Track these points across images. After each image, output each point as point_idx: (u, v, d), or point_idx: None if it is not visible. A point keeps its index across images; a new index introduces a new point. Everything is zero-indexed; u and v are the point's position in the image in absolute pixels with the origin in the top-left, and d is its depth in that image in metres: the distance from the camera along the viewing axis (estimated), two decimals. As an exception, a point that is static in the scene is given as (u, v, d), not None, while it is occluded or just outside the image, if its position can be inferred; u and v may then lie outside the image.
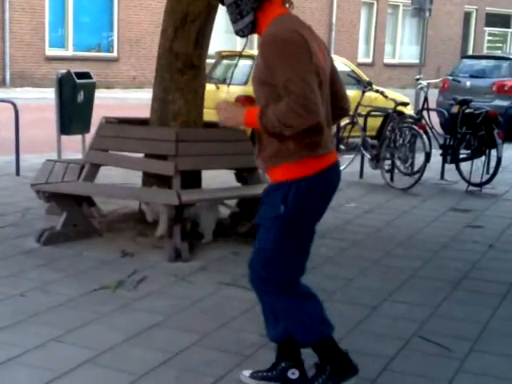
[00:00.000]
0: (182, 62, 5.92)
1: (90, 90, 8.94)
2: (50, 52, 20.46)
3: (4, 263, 5.15)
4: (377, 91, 9.84)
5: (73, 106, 8.72)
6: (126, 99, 18.68)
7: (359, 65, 22.03)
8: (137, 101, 18.80)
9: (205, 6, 5.91)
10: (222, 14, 6.23)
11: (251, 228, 5.94)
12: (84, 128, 9.00)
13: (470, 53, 30.78)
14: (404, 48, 30.40)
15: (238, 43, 23.10)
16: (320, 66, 3.05)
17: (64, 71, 8.80)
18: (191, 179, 5.83)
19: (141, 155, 6.02)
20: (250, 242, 5.62)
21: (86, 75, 9.01)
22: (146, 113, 6.62)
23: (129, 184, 6.92)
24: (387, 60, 29.46)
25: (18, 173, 8.36)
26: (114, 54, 21.95)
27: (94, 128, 8.75)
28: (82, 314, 4.25)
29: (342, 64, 12.63)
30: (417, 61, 27.55)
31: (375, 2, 28.86)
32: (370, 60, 28.59)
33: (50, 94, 18.35)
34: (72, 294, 4.58)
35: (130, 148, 5.82)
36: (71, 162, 6.54)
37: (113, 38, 21.94)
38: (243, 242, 5.75)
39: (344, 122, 9.16)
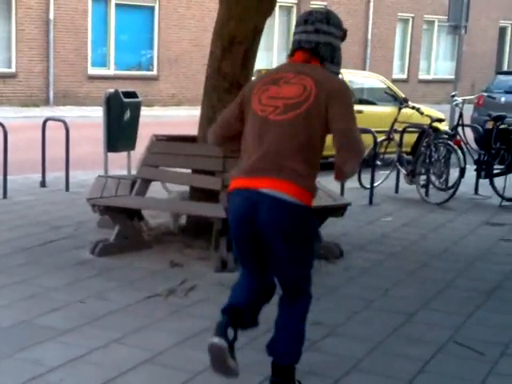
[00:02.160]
0: (228, 82, 6.25)
1: (136, 109, 9.33)
2: (93, 71, 21.02)
3: (62, 273, 5.52)
4: (413, 108, 10.11)
5: (120, 124, 9.10)
6: (165, 117, 19.14)
7: (394, 81, 22.27)
8: (176, 118, 19.28)
9: (251, 29, 6.25)
10: (263, 35, 6.60)
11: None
12: (130, 145, 9.37)
13: (505, 68, 30.85)
14: (439, 64, 30.54)
15: (274, 61, 23.56)
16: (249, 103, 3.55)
17: (112, 91, 9.18)
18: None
19: (189, 171, 6.36)
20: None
21: (133, 94, 9.39)
22: (184, 130, 6.97)
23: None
24: (422, 76, 29.62)
25: (67, 188, 8.76)
26: (154, 73, 22.46)
27: (138, 145, 9.20)
28: (138, 319, 4.60)
29: (378, 81, 12.94)
30: (451, 76, 27.76)
31: (410, 19, 29.09)
32: (404, 76, 28.78)
33: (92, 113, 18.98)
34: (127, 301, 4.93)
35: (179, 164, 6.19)
36: (122, 177, 6.92)
37: (153, 57, 22.46)
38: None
39: (380, 138, 9.43)
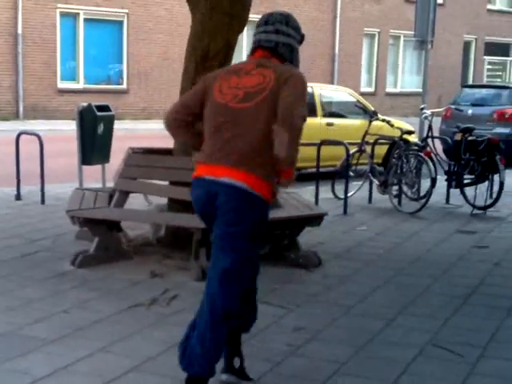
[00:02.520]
0: (202, 98, 6.33)
1: (109, 122, 9.37)
2: (62, 85, 20.99)
3: (43, 284, 5.53)
4: (383, 120, 10.28)
5: (93, 137, 9.13)
6: (136, 130, 19.16)
7: (362, 94, 22.53)
8: (146, 131, 19.30)
9: (224, 44, 6.34)
10: (236, 51, 6.69)
11: (270, 250, 6.35)
12: (104, 158, 9.41)
13: (470, 81, 31.41)
14: (405, 77, 30.97)
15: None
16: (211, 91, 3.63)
17: (85, 104, 9.23)
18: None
19: (166, 183, 6.42)
20: (270, 264, 6.04)
21: (106, 108, 9.43)
22: (156, 143, 7.02)
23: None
24: (389, 89, 30.01)
25: (43, 201, 8.75)
26: (124, 86, 22.49)
27: (112, 158, 9.24)
28: (122, 328, 4.63)
29: (347, 94, 13.11)
30: (418, 89, 28.18)
31: (377, 34, 29.48)
32: (372, 89, 29.14)
33: (62, 126, 18.93)
34: (110, 311, 4.96)
35: (156, 176, 6.24)
36: (99, 190, 6.95)
37: (122, 70, 22.48)
38: (263, 264, 6.10)
39: (352, 150, 9.58)
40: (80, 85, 21.47)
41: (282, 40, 3.69)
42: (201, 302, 3.63)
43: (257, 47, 3.74)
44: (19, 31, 19.97)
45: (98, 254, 6.04)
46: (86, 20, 21.49)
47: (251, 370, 4.00)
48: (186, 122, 3.75)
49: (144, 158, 6.34)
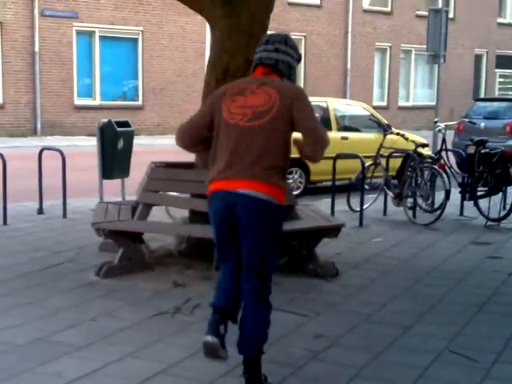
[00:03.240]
0: (223, 112, 6.53)
1: (129, 138, 9.59)
2: (79, 101, 21.31)
3: (70, 294, 5.72)
4: (397, 134, 10.44)
5: (114, 152, 9.36)
6: (152, 145, 19.40)
7: (374, 108, 22.69)
8: (162, 147, 19.50)
9: (243, 62, 6.54)
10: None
11: (289, 261, 6.52)
12: (124, 173, 9.63)
13: (482, 94, 31.52)
14: (417, 91, 31.14)
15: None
16: (219, 112, 3.92)
17: (105, 120, 9.45)
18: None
19: (187, 195, 6.61)
20: (289, 274, 6.21)
21: (125, 124, 9.65)
22: (173, 157, 7.22)
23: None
24: (401, 103, 30.19)
25: (64, 215, 8.96)
26: (139, 102, 22.79)
27: (131, 173, 9.45)
28: (148, 335, 4.81)
29: (361, 108, 13.29)
30: (430, 103, 28.35)
31: (388, 48, 29.70)
32: (384, 103, 29.33)
33: (79, 142, 19.24)
34: (136, 319, 5.14)
35: (178, 189, 6.44)
36: (122, 203, 7.14)
37: (137, 87, 22.79)
38: (283, 274, 6.27)
39: (367, 163, 9.74)
40: (96, 101, 21.78)
41: (281, 58, 4.03)
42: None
43: (258, 64, 4.06)
44: (36, 49, 20.32)
45: (122, 264, 6.23)
46: (101, 38, 21.84)
47: (273, 374, 4.17)
48: (196, 142, 4.10)
49: (166, 172, 6.54)
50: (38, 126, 20.52)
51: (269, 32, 4.47)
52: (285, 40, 4.08)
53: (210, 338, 3.84)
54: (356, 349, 4.69)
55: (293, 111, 3.82)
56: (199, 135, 4.07)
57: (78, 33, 21.34)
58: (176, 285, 6.02)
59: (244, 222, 3.79)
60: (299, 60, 4.15)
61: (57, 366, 4.23)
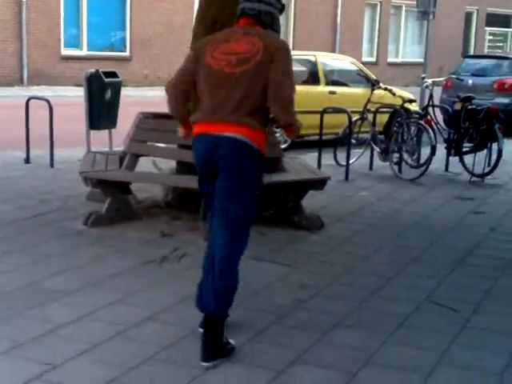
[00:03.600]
0: (212, 64, 6.53)
1: (116, 89, 9.55)
2: (66, 52, 21.10)
3: (58, 242, 5.79)
4: (385, 89, 10.47)
5: (101, 103, 9.33)
6: (139, 97, 19.30)
7: (363, 64, 22.64)
8: (149, 98, 19.45)
9: (231, 14, 6.49)
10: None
11: (274, 213, 6.60)
12: (111, 124, 9.62)
13: (471, 52, 31.41)
14: (406, 47, 31.03)
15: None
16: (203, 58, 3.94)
17: (93, 70, 9.39)
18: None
19: (175, 146, 6.64)
20: (275, 225, 6.30)
21: (113, 74, 9.61)
22: (159, 109, 7.20)
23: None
24: (390, 59, 30.10)
25: (52, 165, 8.98)
26: (127, 54, 22.60)
27: (118, 123, 9.46)
28: (136, 282, 4.89)
29: (350, 63, 13.28)
30: (419, 59, 28.24)
31: (378, 4, 29.49)
32: (373, 59, 29.22)
33: (66, 92, 19.11)
34: (124, 266, 5.22)
35: (166, 140, 6.46)
36: (110, 153, 7.17)
37: (125, 38, 22.58)
38: (268, 225, 6.36)
39: (354, 118, 9.78)
40: (83, 52, 21.58)
41: (263, 8, 4.02)
42: (206, 252, 3.94)
43: (241, 15, 4.06)
44: (23, -1, 20.07)
45: (110, 214, 6.28)
46: (89, -13, 21.57)
47: (257, 322, 4.27)
48: (186, 90, 4.10)
49: (154, 123, 6.56)
50: (25, 75, 20.34)
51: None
52: None
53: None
54: (339, 298, 4.79)
55: (272, 61, 3.83)
56: (189, 82, 4.04)
57: (66, -18, 21.07)
58: (163, 234, 6.09)
59: (223, 163, 3.80)
60: (282, 10, 4.16)
61: (45, 312, 4.31)
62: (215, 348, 3.78)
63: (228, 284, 3.84)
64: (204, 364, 3.73)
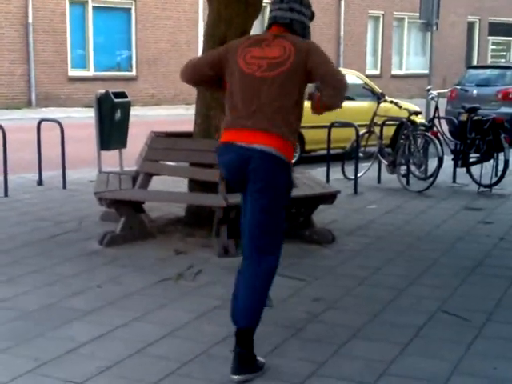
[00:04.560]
0: (221, 82, 6.64)
1: (126, 109, 9.71)
2: (73, 73, 21.33)
3: (75, 262, 5.90)
4: (391, 102, 10.58)
5: (111, 123, 9.48)
6: (146, 116, 19.47)
7: (367, 76, 22.81)
8: (156, 117, 19.65)
9: (241, 31, 6.65)
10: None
11: (286, 228, 6.68)
12: (121, 143, 9.76)
13: (475, 62, 31.61)
14: (410, 59, 31.18)
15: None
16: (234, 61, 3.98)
17: (103, 91, 9.55)
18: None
19: (186, 165, 6.77)
20: (287, 240, 6.35)
21: (122, 95, 9.76)
22: (166, 128, 7.35)
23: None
24: (394, 71, 30.25)
25: (64, 186, 9.11)
26: (133, 73, 22.82)
27: (128, 143, 9.59)
28: (153, 300, 4.99)
29: (355, 77, 13.39)
30: (423, 71, 28.37)
31: (381, 16, 29.68)
32: (377, 72, 29.38)
33: (74, 114, 19.30)
34: (140, 285, 5.32)
35: (178, 158, 6.59)
36: (122, 173, 7.30)
37: (131, 57, 22.79)
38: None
39: (361, 131, 9.89)
40: (90, 72, 21.81)
41: (295, 17, 4.07)
42: (239, 266, 3.98)
43: (273, 23, 4.11)
44: (30, 20, 20.29)
45: (124, 233, 6.40)
46: (94, 8, 21.81)
47: (274, 336, 4.36)
48: (200, 80, 4.26)
49: (166, 141, 6.68)
50: (33, 97, 20.55)
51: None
52: None
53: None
54: (353, 310, 4.88)
55: (308, 62, 3.85)
56: (201, 71, 4.15)
57: (71, 3, 21.29)
58: (177, 252, 6.20)
59: (255, 177, 3.78)
60: (312, 18, 4.18)
61: (68, 331, 4.41)
62: (246, 361, 3.81)
63: (254, 296, 3.86)
64: (234, 377, 3.77)
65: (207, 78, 4.17)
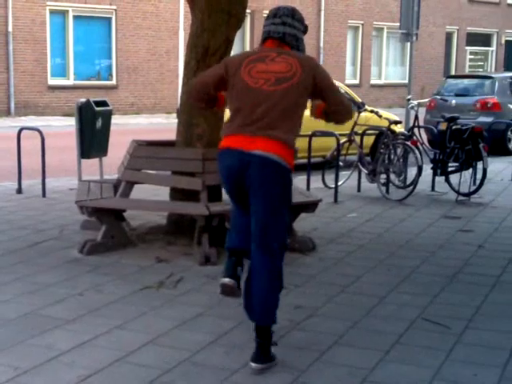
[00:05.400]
0: (204, 91, 6.65)
1: (107, 117, 9.68)
2: (53, 81, 21.25)
3: (56, 270, 5.87)
4: (371, 111, 10.65)
5: (92, 131, 9.45)
6: (126, 125, 19.44)
7: (347, 86, 22.94)
8: (137, 126, 19.66)
9: (223, 40, 6.69)
10: (234, 47, 7.05)
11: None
12: (102, 152, 9.72)
13: (453, 72, 31.88)
14: (389, 69, 31.40)
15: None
16: (238, 75, 4.13)
17: (83, 100, 9.52)
18: (214, 193, 6.56)
19: (169, 173, 6.77)
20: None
21: (104, 103, 9.74)
22: (145, 137, 7.35)
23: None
24: (373, 81, 30.43)
25: (44, 195, 9.07)
26: (113, 82, 22.77)
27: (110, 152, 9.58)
28: (135, 308, 4.98)
29: (335, 87, 13.45)
30: (401, 81, 28.61)
31: (360, 26, 29.86)
32: (357, 81, 29.55)
33: (53, 122, 19.24)
34: (122, 293, 5.31)
35: (160, 167, 6.59)
36: (104, 181, 7.28)
37: (111, 66, 22.76)
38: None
39: (342, 140, 9.94)
40: (70, 81, 21.74)
41: (288, 31, 4.27)
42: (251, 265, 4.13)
43: (266, 38, 4.30)
44: (10, 29, 20.20)
45: (106, 241, 6.38)
46: (75, 17, 21.76)
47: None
48: (206, 96, 4.38)
49: (148, 150, 6.67)
50: (12, 106, 20.45)
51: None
52: (291, 13, 4.33)
53: (227, 281, 4.06)
54: (335, 318, 4.91)
55: (316, 79, 4.10)
56: (207, 93, 4.33)
57: (52, 12, 21.23)
58: (159, 260, 6.19)
59: (255, 183, 3.97)
60: (305, 31, 4.40)
61: (48, 339, 4.40)
62: (265, 351, 4.03)
63: (269, 297, 4.07)
64: (253, 365, 3.99)
65: (211, 96, 4.37)
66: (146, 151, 6.63)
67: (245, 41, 25.29)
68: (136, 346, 4.32)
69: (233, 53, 6.97)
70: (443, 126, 9.73)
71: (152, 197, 7.93)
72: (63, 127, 17.98)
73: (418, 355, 4.27)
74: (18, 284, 5.48)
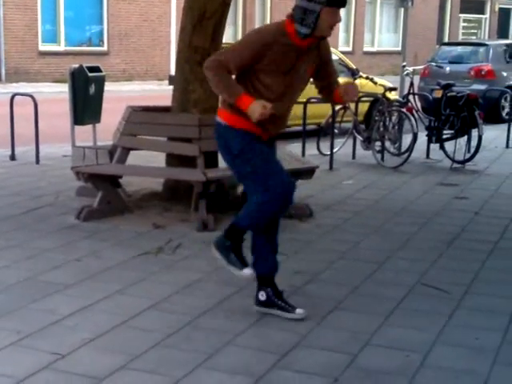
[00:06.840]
0: (200, 55, 6.56)
1: (100, 83, 9.60)
2: (43, 47, 21.02)
3: (53, 236, 5.85)
4: (367, 78, 10.59)
5: (85, 98, 9.36)
6: (118, 91, 19.25)
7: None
8: (128, 93, 19.47)
9: (220, 4, 6.60)
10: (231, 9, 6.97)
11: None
12: (95, 118, 9.65)
13: (446, 39, 31.71)
14: (382, 36, 31.22)
15: (239, 34, 24.05)
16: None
17: (76, 66, 9.41)
18: (210, 159, 6.53)
19: (165, 139, 6.72)
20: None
21: (97, 69, 9.64)
22: (138, 103, 7.27)
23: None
24: (366, 48, 30.27)
25: (37, 161, 9.01)
26: (105, 48, 22.56)
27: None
28: (134, 273, 4.98)
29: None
30: (394, 48, 28.42)
31: (354, -8, 29.64)
32: (349, 48, 29.38)
33: (44, 89, 19.04)
34: (121, 259, 5.30)
35: (157, 133, 6.54)
36: (99, 147, 7.23)
37: (103, 32, 22.53)
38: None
39: (337, 107, 9.89)
40: (61, 47, 21.51)
41: (297, 3, 4.06)
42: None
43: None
44: (0, -5, 19.96)
45: (102, 207, 6.36)
46: (65, -19, 21.49)
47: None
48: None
49: (144, 116, 6.63)
50: (3, 72, 20.24)
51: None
52: None
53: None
54: (334, 283, 4.92)
55: (321, 53, 4.38)
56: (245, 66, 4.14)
57: (42, -23, 20.97)
58: (156, 226, 6.18)
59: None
60: (324, 3, 3.95)
61: (50, 303, 4.39)
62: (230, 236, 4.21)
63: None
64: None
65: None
66: (141, 117, 6.58)
67: (237, 4, 24.98)
68: (137, 310, 4.32)
69: (229, 15, 6.91)
70: (438, 94, 9.70)
71: (148, 163, 7.87)
72: (54, 93, 17.81)
73: (418, 320, 4.30)
74: (15, 250, 5.46)
